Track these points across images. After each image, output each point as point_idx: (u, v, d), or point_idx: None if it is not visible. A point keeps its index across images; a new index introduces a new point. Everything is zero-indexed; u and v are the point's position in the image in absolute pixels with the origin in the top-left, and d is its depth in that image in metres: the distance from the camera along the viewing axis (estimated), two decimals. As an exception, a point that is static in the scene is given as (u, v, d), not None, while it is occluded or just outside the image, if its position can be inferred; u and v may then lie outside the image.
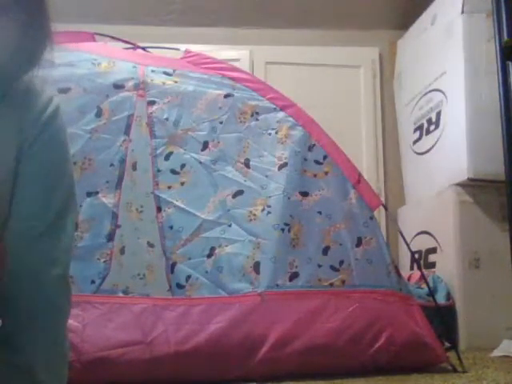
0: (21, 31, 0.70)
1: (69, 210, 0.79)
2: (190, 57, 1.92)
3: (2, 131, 0.73)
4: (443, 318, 1.95)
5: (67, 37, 1.68)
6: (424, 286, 2.08)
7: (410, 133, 2.88)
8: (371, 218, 1.80)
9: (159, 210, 1.73)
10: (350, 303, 1.65)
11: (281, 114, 1.85)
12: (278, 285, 1.64)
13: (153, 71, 1.84)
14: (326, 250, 1.72)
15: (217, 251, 1.69)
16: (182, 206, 1.72)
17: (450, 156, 2.43)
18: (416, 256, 2.48)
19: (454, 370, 1.63)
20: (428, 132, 2.67)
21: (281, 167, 1.78)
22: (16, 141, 0.74)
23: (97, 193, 1.66)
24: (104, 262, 1.63)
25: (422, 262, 2.54)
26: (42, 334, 0.75)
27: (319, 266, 1.70)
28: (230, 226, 1.72)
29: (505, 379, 1.48)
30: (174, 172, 1.76)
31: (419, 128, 2.78)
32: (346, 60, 3.23)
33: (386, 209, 2.08)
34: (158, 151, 1.77)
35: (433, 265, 2.47)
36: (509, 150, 1.81)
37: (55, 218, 0.76)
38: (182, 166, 1.77)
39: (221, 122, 1.82)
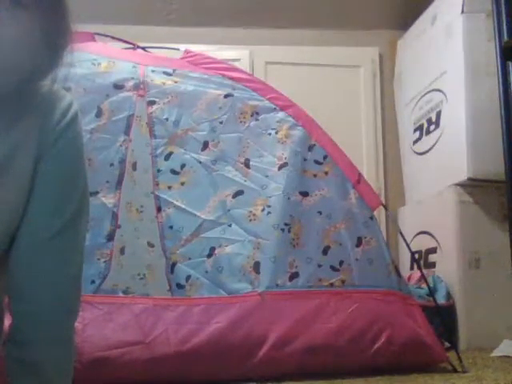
0: (42, 31, 0.69)
1: (82, 212, 0.80)
2: (190, 57, 1.92)
3: (24, 134, 0.73)
4: (443, 318, 1.95)
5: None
6: (424, 285, 2.08)
7: (410, 133, 2.88)
8: (371, 218, 1.80)
9: (159, 210, 1.73)
10: (350, 303, 1.65)
11: (281, 114, 1.85)
12: (278, 285, 1.64)
13: (153, 71, 1.84)
14: (326, 250, 1.72)
15: (217, 251, 1.69)
16: (182, 206, 1.72)
17: (449, 156, 2.43)
18: (416, 256, 2.48)
19: (454, 370, 1.63)
20: (428, 132, 2.67)
21: (281, 167, 1.78)
22: (35, 144, 0.75)
23: (97, 193, 1.66)
24: (104, 262, 1.63)
25: (422, 262, 2.54)
26: (53, 333, 0.77)
27: (319, 265, 1.70)
28: (230, 225, 1.72)
29: (505, 379, 1.48)
30: (174, 172, 1.76)
31: (419, 128, 2.78)
32: (346, 60, 3.22)
33: (386, 209, 2.08)
34: (158, 151, 1.77)
35: (433, 265, 2.47)
36: (509, 149, 1.80)
37: (70, 218, 0.77)
38: (182, 165, 1.77)
39: (221, 122, 1.82)
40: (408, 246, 1.96)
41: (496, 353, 1.96)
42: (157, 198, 1.74)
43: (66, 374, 0.80)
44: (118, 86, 1.78)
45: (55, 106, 0.77)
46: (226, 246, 1.70)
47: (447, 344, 1.88)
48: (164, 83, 1.83)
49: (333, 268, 1.71)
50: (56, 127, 0.76)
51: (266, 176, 1.77)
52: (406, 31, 2.99)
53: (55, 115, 0.77)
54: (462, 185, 2.35)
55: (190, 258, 1.69)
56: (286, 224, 1.71)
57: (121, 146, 1.73)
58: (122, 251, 1.89)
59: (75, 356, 0.82)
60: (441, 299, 2.19)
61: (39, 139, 0.75)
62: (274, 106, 1.86)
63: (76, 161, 0.80)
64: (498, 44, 1.85)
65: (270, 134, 1.83)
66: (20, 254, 0.75)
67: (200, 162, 1.78)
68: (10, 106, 0.71)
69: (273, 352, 1.53)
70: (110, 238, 1.67)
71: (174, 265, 1.68)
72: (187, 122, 1.80)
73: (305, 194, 1.77)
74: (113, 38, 1.94)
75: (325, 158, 1.82)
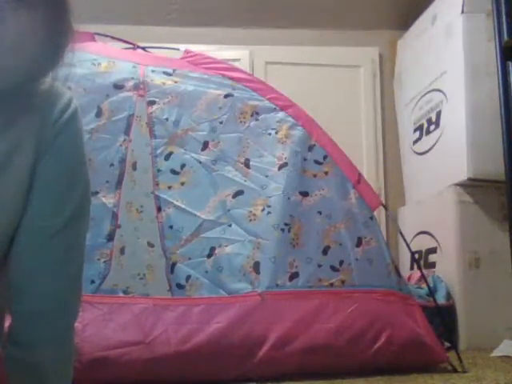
0: (46, 28, 0.69)
1: (83, 210, 0.80)
2: (190, 57, 1.92)
3: (23, 132, 0.73)
4: (443, 318, 1.95)
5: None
6: (424, 285, 2.08)
7: (410, 133, 2.88)
8: (371, 218, 1.80)
9: (159, 209, 1.73)
10: (350, 303, 1.65)
11: (281, 114, 1.85)
12: (277, 285, 1.64)
13: (153, 71, 1.84)
14: (326, 250, 1.72)
15: (217, 251, 1.69)
16: (182, 205, 1.72)
17: (450, 156, 2.43)
18: (416, 256, 2.47)
19: (454, 370, 1.63)
20: (428, 132, 2.67)
21: (281, 167, 1.78)
22: (35, 141, 0.74)
23: (97, 193, 1.66)
24: (104, 262, 1.63)
25: (422, 262, 2.54)
26: (53, 333, 0.76)
27: (319, 265, 1.70)
28: (230, 225, 1.72)
29: (505, 379, 1.48)
30: (174, 172, 1.76)
31: (419, 128, 2.78)
32: (346, 60, 3.22)
33: (386, 209, 2.08)
34: (158, 151, 1.77)
35: (433, 265, 2.47)
36: (509, 149, 1.81)
37: (70, 217, 0.77)
38: (182, 165, 1.77)
39: (221, 122, 1.82)
40: (408, 246, 1.96)
41: (496, 353, 1.96)
42: (157, 197, 1.74)
43: (65, 374, 0.79)
44: (118, 86, 1.78)
45: (54, 103, 0.77)
46: (226, 246, 1.70)
47: (447, 344, 1.88)
48: (164, 83, 1.83)
49: (333, 268, 1.71)
50: (55, 124, 0.76)
51: (266, 176, 1.77)
52: (406, 31, 2.99)
53: (54, 112, 0.76)
54: (462, 185, 2.35)
55: (190, 258, 1.69)
56: (286, 224, 1.71)
57: (121, 145, 1.73)
58: (122, 251, 1.89)
59: (75, 356, 0.82)
60: (441, 299, 2.19)
61: (38, 137, 0.75)
62: (274, 106, 1.86)
63: (76, 158, 0.80)
64: (498, 44, 1.85)
65: (270, 134, 1.83)
66: (20, 253, 0.75)
67: (200, 162, 1.78)
68: (9, 103, 0.71)
69: (273, 352, 1.53)
70: (110, 237, 1.67)
71: (174, 265, 1.68)
72: (187, 122, 1.80)
73: (305, 194, 1.77)
74: (113, 38, 1.94)
75: (325, 158, 1.82)
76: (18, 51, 0.67)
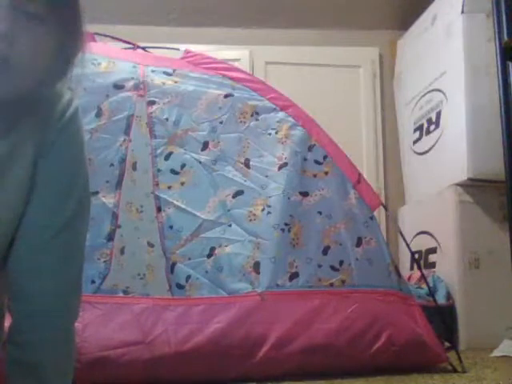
0: (57, 41, 0.70)
1: (83, 211, 0.80)
2: (190, 57, 1.92)
3: (24, 134, 0.74)
4: (443, 318, 1.95)
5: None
6: (424, 285, 2.08)
7: (410, 133, 2.88)
8: (371, 217, 1.80)
9: (159, 209, 1.73)
10: (350, 303, 1.65)
11: (281, 114, 1.85)
12: (278, 285, 1.64)
13: (153, 71, 1.84)
14: (326, 250, 1.72)
15: (217, 251, 1.69)
16: (182, 206, 1.72)
17: (450, 156, 2.43)
18: (416, 256, 2.48)
19: (454, 370, 1.63)
20: (428, 132, 2.68)
21: (281, 167, 1.78)
22: (35, 143, 0.75)
23: (97, 193, 1.66)
24: (104, 262, 1.63)
25: (422, 262, 2.54)
26: (53, 333, 0.77)
27: (319, 266, 1.70)
28: (230, 226, 1.72)
29: (505, 379, 1.48)
30: (174, 172, 1.76)
31: (419, 128, 2.78)
32: (346, 60, 3.22)
33: (385, 209, 2.08)
34: (158, 151, 1.77)
35: (433, 265, 2.47)
36: (509, 149, 1.80)
37: (70, 216, 0.77)
38: (182, 165, 1.77)
39: (221, 122, 1.82)
40: (408, 246, 1.96)
41: (496, 353, 1.96)
42: (157, 197, 1.74)
43: (65, 374, 0.79)
44: (118, 86, 1.77)
45: (55, 104, 0.77)
46: (226, 245, 1.70)
47: (447, 344, 1.88)
48: (164, 83, 1.83)
49: (333, 268, 1.71)
50: (56, 125, 0.76)
51: (266, 176, 1.77)
52: (406, 31, 3.00)
53: (55, 113, 0.77)
54: (461, 185, 2.35)
55: (189, 258, 1.68)
56: (285, 224, 1.71)
57: (121, 145, 1.73)
58: (122, 251, 1.89)
59: (75, 356, 0.82)
60: (441, 299, 2.19)
61: (39, 137, 0.75)
62: (274, 106, 1.86)
63: (76, 158, 0.80)
64: (498, 44, 1.85)
65: (270, 134, 1.83)
66: (20, 254, 0.75)
67: (200, 162, 1.78)
68: (13, 108, 0.71)
69: (273, 352, 1.53)
70: (110, 238, 1.67)
71: (173, 265, 1.68)
72: (187, 122, 1.80)
73: (305, 194, 1.77)
74: (113, 38, 1.94)
75: (325, 158, 1.82)
76: (31, 63, 0.68)
